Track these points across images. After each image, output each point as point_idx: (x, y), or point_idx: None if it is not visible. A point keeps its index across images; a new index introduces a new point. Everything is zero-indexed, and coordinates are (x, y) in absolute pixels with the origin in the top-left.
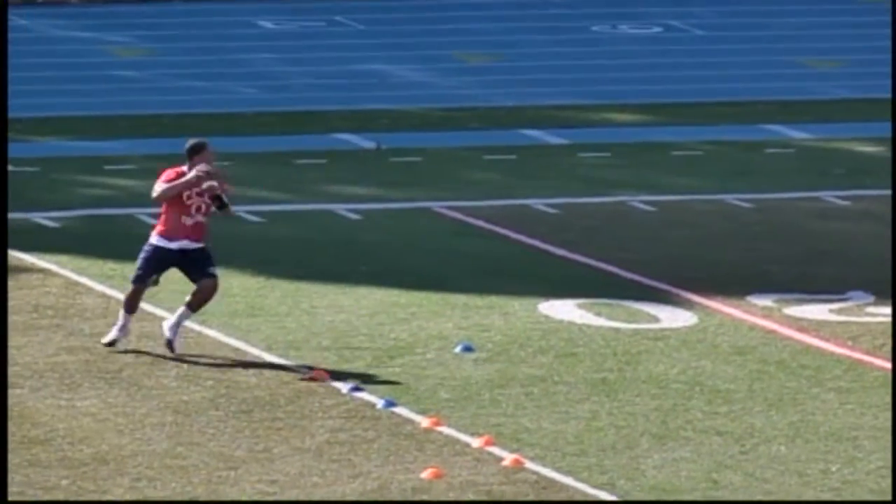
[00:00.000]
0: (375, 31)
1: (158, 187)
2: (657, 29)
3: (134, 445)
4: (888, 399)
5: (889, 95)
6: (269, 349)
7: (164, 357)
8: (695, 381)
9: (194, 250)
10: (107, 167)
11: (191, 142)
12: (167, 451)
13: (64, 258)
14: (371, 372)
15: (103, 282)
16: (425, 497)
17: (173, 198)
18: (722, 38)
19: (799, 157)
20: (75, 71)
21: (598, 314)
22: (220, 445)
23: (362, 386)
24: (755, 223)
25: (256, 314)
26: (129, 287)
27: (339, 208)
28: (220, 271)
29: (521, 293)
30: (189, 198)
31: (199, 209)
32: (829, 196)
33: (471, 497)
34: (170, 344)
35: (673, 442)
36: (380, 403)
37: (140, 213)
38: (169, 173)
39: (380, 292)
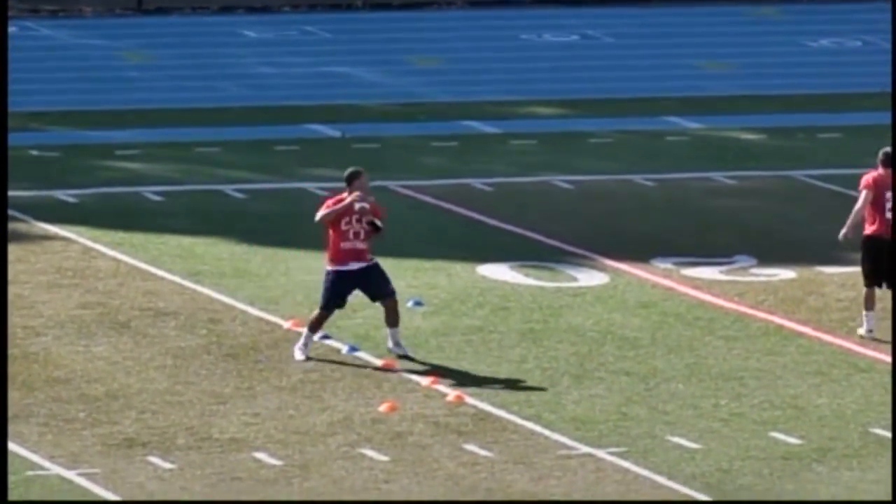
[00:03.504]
0: (340, 39)
1: (321, 212)
2: (575, 37)
3: (140, 384)
4: (769, 345)
5: (770, 93)
6: (252, 304)
7: (165, 311)
8: (607, 331)
9: (368, 268)
10: (117, 153)
11: (348, 170)
12: (167, 389)
13: (81, 228)
14: (338, 323)
15: (114, 248)
16: (382, 426)
17: (334, 223)
18: (630, 45)
19: (694, 143)
20: (91, 72)
21: (527, 275)
22: (211, 384)
23: (330, 334)
24: (657, 199)
25: (242, 275)
26: (316, 312)
27: (311, 186)
28: (212, 240)
29: (462, 257)
30: (348, 223)
31: (356, 234)
32: (719, 176)
33: (420, 426)
34: (404, 356)
35: (589, 381)
36: (345, 349)
37: (144, 191)
38: (328, 201)
39: None
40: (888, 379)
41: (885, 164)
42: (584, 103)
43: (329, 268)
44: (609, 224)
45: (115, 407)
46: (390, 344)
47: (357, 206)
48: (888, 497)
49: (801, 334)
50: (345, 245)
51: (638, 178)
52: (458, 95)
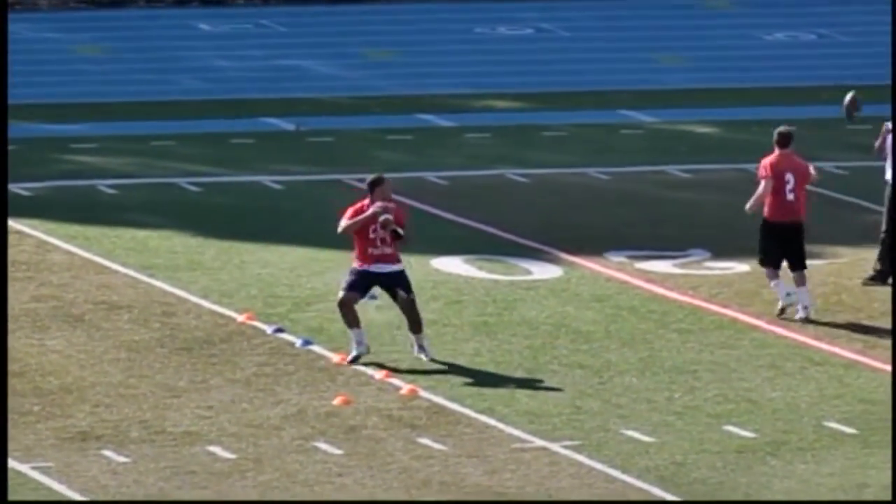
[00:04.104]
0: (295, 32)
1: (343, 222)
2: (530, 30)
3: (93, 377)
4: (723, 338)
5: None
6: (206, 297)
7: (119, 304)
8: (561, 324)
9: (393, 273)
10: (72, 146)
11: (371, 177)
12: (121, 382)
13: (35, 222)
14: (291, 316)
15: (68, 241)
16: (336, 420)
17: (358, 232)
18: (584, 38)
19: (648, 137)
20: (45, 65)
21: (480, 268)
22: (165, 377)
23: (284, 327)
24: (611, 192)
25: (195, 268)
26: (340, 294)
27: (265, 180)
28: (166, 233)
29: (416, 250)
30: (374, 231)
31: (383, 241)
32: (673, 170)
33: (374, 419)
34: (421, 353)
35: (542, 374)
36: (298, 342)
37: (99, 184)
38: (349, 210)
39: (299, 250)
40: (842, 372)
41: (780, 144)
42: (539, 97)
43: (355, 265)
44: (563, 217)
45: (68, 400)
46: (415, 352)
47: (381, 217)
48: (853, 494)
49: (755, 327)
50: (374, 251)
51: (592, 171)
52: (412, 88)
